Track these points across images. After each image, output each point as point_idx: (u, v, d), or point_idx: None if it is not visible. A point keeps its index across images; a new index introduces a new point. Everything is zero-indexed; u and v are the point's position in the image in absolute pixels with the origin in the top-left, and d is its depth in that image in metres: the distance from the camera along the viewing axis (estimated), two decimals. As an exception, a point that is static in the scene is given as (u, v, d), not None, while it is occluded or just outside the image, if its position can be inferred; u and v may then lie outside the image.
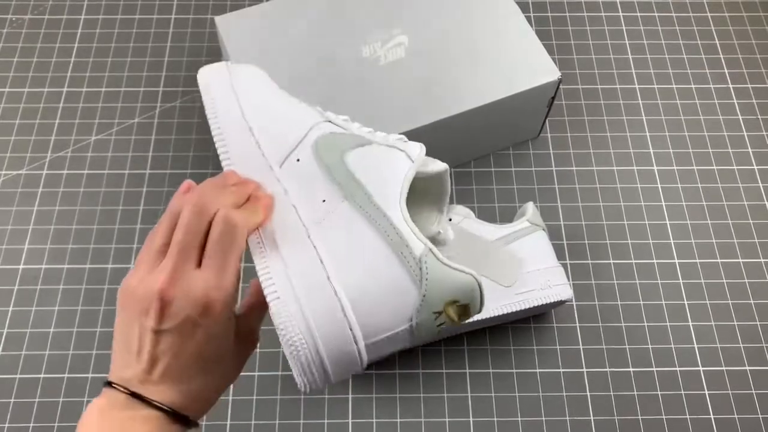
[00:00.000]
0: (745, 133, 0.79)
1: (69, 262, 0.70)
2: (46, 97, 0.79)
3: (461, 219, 0.64)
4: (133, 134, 0.77)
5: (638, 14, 0.87)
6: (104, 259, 0.70)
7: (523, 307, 0.62)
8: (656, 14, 0.88)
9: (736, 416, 0.64)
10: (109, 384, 0.38)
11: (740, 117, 0.80)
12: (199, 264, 0.38)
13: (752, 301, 0.70)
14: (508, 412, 0.64)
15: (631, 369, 0.66)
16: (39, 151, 0.76)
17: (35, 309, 0.67)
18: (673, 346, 0.67)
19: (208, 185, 0.40)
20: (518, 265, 0.51)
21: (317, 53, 0.70)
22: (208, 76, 0.44)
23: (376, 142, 0.43)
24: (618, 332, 0.68)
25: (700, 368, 0.66)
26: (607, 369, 0.66)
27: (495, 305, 0.61)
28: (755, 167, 0.77)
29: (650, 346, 0.67)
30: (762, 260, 0.72)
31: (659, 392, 0.65)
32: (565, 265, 0.71)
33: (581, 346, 0.67)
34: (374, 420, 0.63)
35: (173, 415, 0.37)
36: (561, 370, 0.66)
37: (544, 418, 0.64)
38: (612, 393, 0.65)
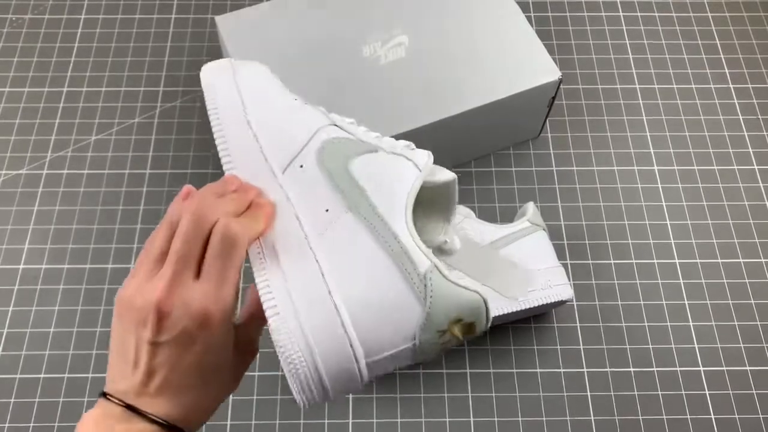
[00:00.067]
0: (745, 133, 0.79)
1: (69, 262, 0.70)
2: (47, 96, 0.79)
3: (462, 219, 0.64)
4: (134, 134, 0.77)
5: (638, 14, 0.87)
6: (104, 259, 0.70)
7: (523, 307, 0.62)
8: (656, 14, 0.88)
9: (736, 416, 0.64)
10: (105, 395, 0.37)
11: (741, 117, 0.80)
12: (198, 274, 0.37)
13: (753, 301, 0.70)
14: (508, 412, 0.64)
15: (631, 369, 0.66)
16: (39, 151, 0.76)
17: (35, 309, 0.67)
18: (673, 346, 0.67)
19: (208, 192, 0.39)
20: (526, 280, 0.50)
21: (317, 53, 0.70)
22: (211, 74, 0.43)
23: (383, 149, 0.41)
24: (618, 332, 0.68)
25: (701, 368, 0.66)
26: (608, 369, 0.66)
27: (495, 305, 0.61)
28: (756, 167, 0.77)
29: (651, 346, 0.67)
30: (762, 260, 0.72)
31: (660, 392, 0.65)
32: (565, 265, 0.71)
33: (582, 346, 0.67)
34: (374, 420, 0.63)
35: (170, 428, 0.37)
36: (561, 370, 0.66)
37: (544, 418, 0.64)
38: (612, 393, 0.65)
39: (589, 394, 0.65)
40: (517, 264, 0.51)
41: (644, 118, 0.80)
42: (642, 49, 0.85)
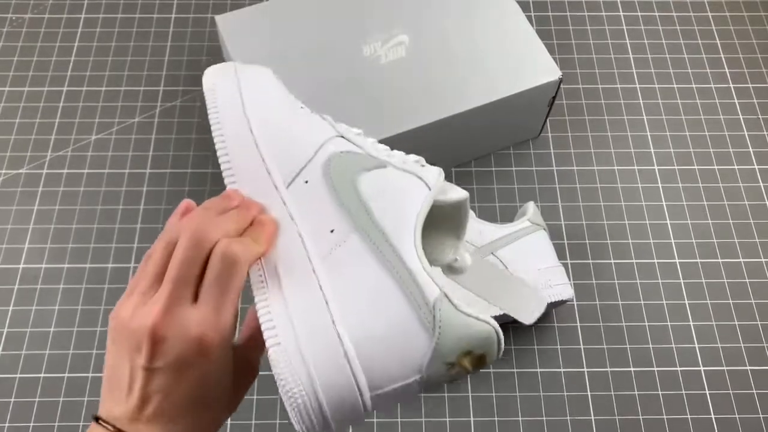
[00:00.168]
0: (745, 133, 0.79)
1: (69, 261, 0.70)
2: (47, 96, 0.79)
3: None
4: (134, 133, 0.77)
5: (639, 14, 0.87)
6: (104, 259, 0.70)
7: (523, 307, 0.62)
8: (657, 14, 0.88)
9: (737, 416, 0.64)
10: (98, 419, 0.36)
11: (741, 116, 0.80)
12: (196, 297, 0.35)
13: (753, 301, 0.70)
14: (508, 411, 0.64)
15: (631, 369, 0.66)
16: (39, 150, 0.76)
17: (35, 308, 0.67)
18: (673, 345, 0.67)
19: (208, 209, 0.37)
20: (541, 303, 0.48)
21: (317, 52, 0.70)
22: (213, 79, 0.41)
23: (392, 165, 0.39)
24: (619, 332, 0.68)
25: (701, 368, 0.66)
26: (608, 369, 0.66)
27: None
28: (756, 167, 0.77)
29: (651, 346, 0.67)
30: (763, 260, 0.72)
31: (660, 392, 0.65)
32: (565, 265, 0.71)
33: (582, 346, 0.67)
34: (375, 420, 0.63)
35: None
36: (562, 369, 0.66)
37: (545, 418, 0.64)
38: (613, 393, 0.65)
39: (589, 393, 0.65)
40: (530, 284, 0.48)
41: (644, 117, 0.80)
42: (642, 48, 0.85)
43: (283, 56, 0.70)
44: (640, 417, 0.64)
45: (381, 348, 0.34)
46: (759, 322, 0.69)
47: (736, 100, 0.81)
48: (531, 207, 0.67)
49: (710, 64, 0.84)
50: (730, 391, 0.65)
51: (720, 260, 0.72)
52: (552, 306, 0.65)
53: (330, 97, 0.68)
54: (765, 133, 0.79)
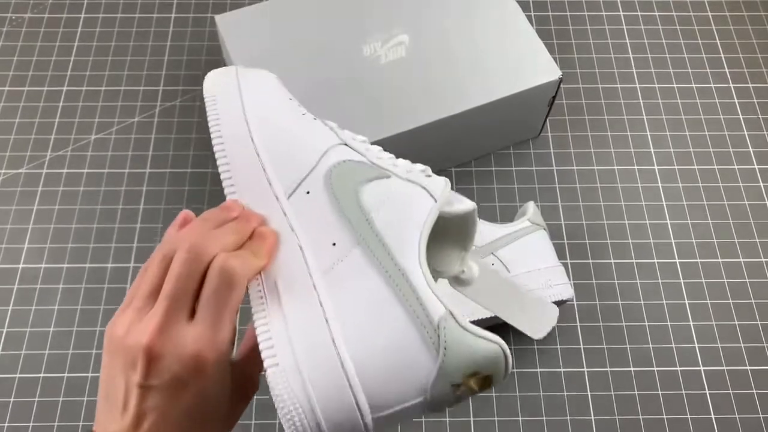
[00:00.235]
0: (745, 133, 0.79)
1: (69, 261, 0.70)
2: (46, 95, 0.79)
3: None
4: (133, 133, 0.77)
5: (639, 13, 0.87)
6: (104, 259, 0.70)
7: (523, 307, 0.61)
8: (657, 13, 0.88)
9: (736, 416, 0.64)
10: None
11: (741, 116, 0.80)
12: (193, 313, 0.35)
13: (753, 301, 0.70)
14: (508, 411, 0.64)
15: (631, 368, 0.66)
16: (39, 150, 0.76)
17: (35, 308, 0.67)
18: (673, 345, 0.67)
19: (207, 221, 0.36)
20: (552, 317, 0.46)
21: (317, 52, 0.70)
22: (214, 84, 0.40)
23: (396, 175, 0.38)
24: (619, 332, 0.68)
25: (701, 368, 0.66)
26: (608, 368, 0.66)
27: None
28: (756, 167, 0.77)
29: (651, 346, 0.67)
30: (763, 260, 0.72)
31: (660, 392, 0.65)
32: (565, 265, 0.71)
33: (582, 346, 0.67)
34: (374, 419, 0.63)
35: None
36: (561, 369, 0.66)
37: (544, 418, 0.64)
38: (613, 392, 0.65)
39: (589, 393, 0.65)
40: (541, 297, 0.46)
41: (644, 117, 0.80)
42: (642, 48, 0.85)
43: (283, 56, 0.70)
44: (640, 417, 0.64)
45: (383, 369, 0.33)
46: (759, 322, 0.69)
47: (736, 100, 0.81)
48: (531, 207, 0.67)
49: (710, 64, 0.84)
50: (730, 391, 0.65)
51: (720, 260, 0.72)
52: (552, 306, 0.65)
53: (330, 97, 0.68)
54: (765, 132, 0.79)
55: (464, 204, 0.38)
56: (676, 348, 0.67)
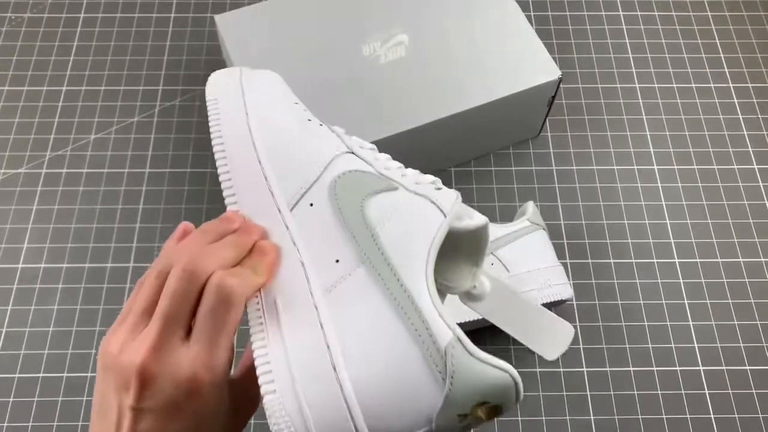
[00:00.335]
0: (745, 133, 0.79)
1: (68, 261, 0.70)
2: (45, 95, 0.79)
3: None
4: (133, 133, 0.77)
5: (638, 13, 0.87)
6: (104, 258, 0.70)
7: (523, 307, 0.61)
8: (656, 13, 0.88)
9: (736, 416, 0.64)
10: None
11: (740, 116, 0.80)
12: (189, 331, 0.33)
13: (752, 301, 0.70)
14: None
15: (631, 368, 0.66)
16: (38, 150, 0.76)
17: (34, 308, 0.67)
18: (673, 345, 0.67)
19: (206, 233, 0.35)
20: (567, 335, 0.45)
21: (317, 52, 0.70)
22: (216, 86, 0.39)
23: (404, 187, 0.36)
24: (618, 331, 0.68)
25: (701, 367, 0.66)
26: (608, 368, 0.66)
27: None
28: (755, 167, 0.77)
29: (650, 346, 0.67)
30: (762, 260, 0.72)
31: (659, 391, 0.65)
32: (565, 265, 0.71)
33: (581, 346, 0.67)
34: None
35: None
36: (561, 369, 0.66)
37: (544, 418, 0.64)
38: (612, 392, 0.65)
39: (588, 393, 0.65)
40: (556, 315, 0.45)
41: (644, 117, 0.80)
42: (642, 48, 0.85)
43: (283, 56, 0.70)
44: (640, 417, 0.64)
45: (386, 398, 0.31)
46: (758, 322, 0.69)
47: (735, 100, 0.81)
48: (530, 207, 0.67)
49: (710, 64, 0.84)
50: (730, 391, 0.65)
51: (719, 260, 0.72)
52: (551, 306, 0.65)
53: (329, 97, 0.68)
54: (764, 132, 0.79)
55: (475, 219, 0.36)
56: (676, 348, 0.67)
